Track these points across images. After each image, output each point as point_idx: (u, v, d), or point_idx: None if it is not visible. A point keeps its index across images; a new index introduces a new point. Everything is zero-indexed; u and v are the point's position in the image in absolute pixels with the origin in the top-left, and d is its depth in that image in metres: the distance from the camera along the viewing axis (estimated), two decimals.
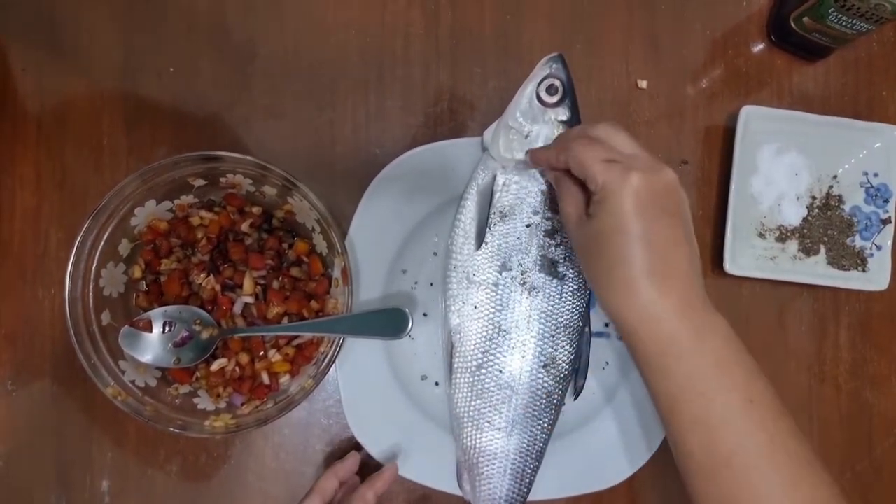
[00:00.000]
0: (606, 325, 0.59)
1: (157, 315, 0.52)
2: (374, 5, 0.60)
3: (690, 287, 0.42)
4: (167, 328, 0.52)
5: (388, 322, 0.51)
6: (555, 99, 0.51)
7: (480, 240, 0.53)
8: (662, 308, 0.42)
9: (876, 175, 0.61)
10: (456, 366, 0.54)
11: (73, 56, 0.58)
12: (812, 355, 0.62)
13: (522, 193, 0.53)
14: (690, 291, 0.42)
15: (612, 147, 0.44)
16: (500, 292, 0.53)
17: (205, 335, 0.53)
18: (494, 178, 0.53)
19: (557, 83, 0.51)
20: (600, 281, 0.44)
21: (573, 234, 0.46)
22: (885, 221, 0.61)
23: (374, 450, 0.55)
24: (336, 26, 0.59)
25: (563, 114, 0.52)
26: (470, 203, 0.54)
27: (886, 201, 0.61)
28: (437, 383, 0.58)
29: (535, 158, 0.50)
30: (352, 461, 0.55)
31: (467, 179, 0.55)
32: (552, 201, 0.52)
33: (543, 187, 0.52)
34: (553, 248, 0.53)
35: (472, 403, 0.54)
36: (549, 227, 0.53)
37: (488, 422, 0.53)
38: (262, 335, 0.54)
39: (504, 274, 0.53)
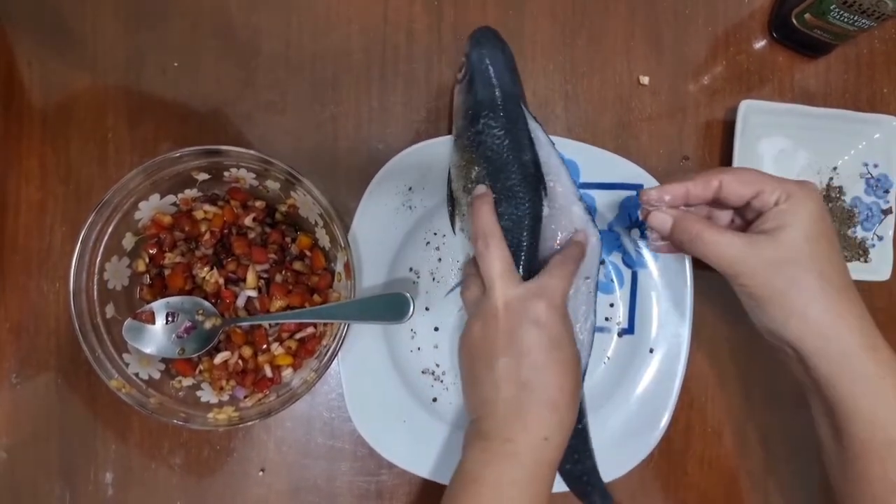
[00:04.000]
0: (607, 318, 0.59)
1: (159, 306, 0.52)
2: (377, 1, 0.60)
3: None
4: (170, 319, 0.52)
5: (390, 306, 0.51)
6: (461, 75, 0.53)
7: (453, 224, 0.55)
8: (836, 331, 0.43)
9: (876, 166, 0.61)
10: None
11: (78, 51, 0.58)
12: None
13: None
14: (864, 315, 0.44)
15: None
16: None
17: (208, 325, 0.53)
18: None
19: (463, 58, 0.52)
20: (766, 306, 0.44)
21: (728, 258, 0.45)
22: (886, 212, 0.61)
23: (376, 443, 0.56)
24: (339, 22, 0.60)
25: (466, 87, 0.52)
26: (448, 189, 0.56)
27: (887, 191, 0.61)
28: (437, 378, 0.58)
29: (669, 194, 0.47)
30: None
31: None
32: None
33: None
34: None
35: None
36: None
37: None
38: (265, 324, 0.54)
39: None
